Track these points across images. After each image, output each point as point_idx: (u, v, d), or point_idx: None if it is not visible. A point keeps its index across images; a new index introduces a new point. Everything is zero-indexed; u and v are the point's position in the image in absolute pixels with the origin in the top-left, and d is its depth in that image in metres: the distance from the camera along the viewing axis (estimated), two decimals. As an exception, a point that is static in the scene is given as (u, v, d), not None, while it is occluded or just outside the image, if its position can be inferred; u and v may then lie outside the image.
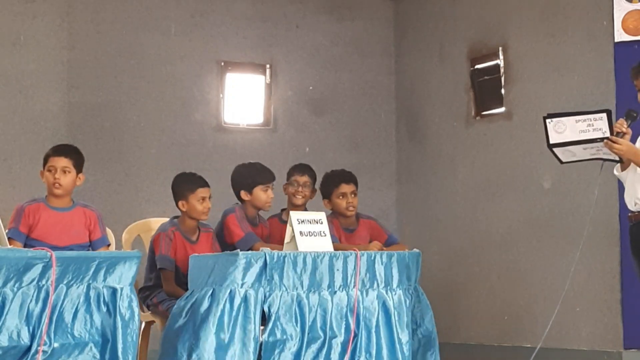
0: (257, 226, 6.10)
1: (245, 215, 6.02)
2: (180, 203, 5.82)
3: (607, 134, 4.97)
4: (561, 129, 5.04)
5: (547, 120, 5.07)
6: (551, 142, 5.06)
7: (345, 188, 6.28)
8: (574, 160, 5.17)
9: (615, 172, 5.24)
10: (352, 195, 6.29)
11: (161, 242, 5.75)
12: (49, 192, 5.52)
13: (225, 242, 5.93)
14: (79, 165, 5.57)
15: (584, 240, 6.01)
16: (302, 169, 6.39)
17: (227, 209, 6.08)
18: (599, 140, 4.98)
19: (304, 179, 6.33)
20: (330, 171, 6.49)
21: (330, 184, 6.33)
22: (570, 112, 5.15)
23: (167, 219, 6.47)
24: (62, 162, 5.50)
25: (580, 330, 7.19)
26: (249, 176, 6.09)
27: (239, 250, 5.11)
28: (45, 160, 5.52)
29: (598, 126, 4.98)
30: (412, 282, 5.66)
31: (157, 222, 6.41)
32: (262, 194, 6.06)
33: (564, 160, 5.18)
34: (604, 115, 4.99)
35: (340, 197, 6.27)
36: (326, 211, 6.01)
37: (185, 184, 5.85)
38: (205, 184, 5.88)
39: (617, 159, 5.06)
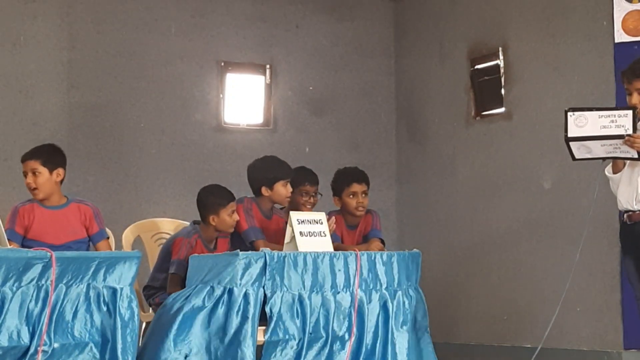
0: (271, 219, 6.08)
1: (260, 209, 6.00)
2: (210, 218, 5.75)
3: (630, 131, 4.90)
4: (582, 123, 4.98)
5: (569, 114, 4.98)
6: (569, 135, 4.98)
7: (357, 187, 6.22)
8: (588, 157, 5.08)
9: (606, 172, 5.19)
10: (363, 195, 6.24)
11: (182, 247, 5.70)
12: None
13: (235, 230, 5.93)
14: (50, 162, 5.54)
15: (583, 240, 6.00)
16: (313, 179, 6.32)
17: (237, 199, 6.03)
18: (619, 137, 4.93)
19: (314, 188, 6.29)
20: (344, 168, 6.42)
21: (343, 182, 6.27)
22: (594, 107, 5.10)
23: (167, 219, 6.49)
24: (30, 165, 5.53)
25: (581, 330, 7.19)
26: (270, 172, 6.02)
27: (238, 250, 5.11)
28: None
29: (621, 123, 4.91)
30: (413, 283, 5.65)
31: (157, 223, 6.42)
32: (282, 189, 6.02)
33: (577, 157, 5.08)
34: (630, 112, 4.92)
35: (351, 197, 6.21)
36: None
37: (216, 199, 5.78)
38: (233, 197, 5.86)
39: (636, 156, 4.99)
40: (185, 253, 5.65)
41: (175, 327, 4.97)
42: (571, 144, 5.01)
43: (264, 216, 6.01)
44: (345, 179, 6.29)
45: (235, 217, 5.78)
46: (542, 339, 7.10)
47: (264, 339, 5.07)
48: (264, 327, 5.09)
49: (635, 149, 4.91)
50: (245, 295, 5.00)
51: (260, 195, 6.02)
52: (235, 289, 4.99)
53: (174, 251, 5.71)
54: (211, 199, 5.79)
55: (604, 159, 5.12)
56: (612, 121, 4.93)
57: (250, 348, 4.97)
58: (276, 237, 5.94)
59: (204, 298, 5.01)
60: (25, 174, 5.53)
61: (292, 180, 6.19)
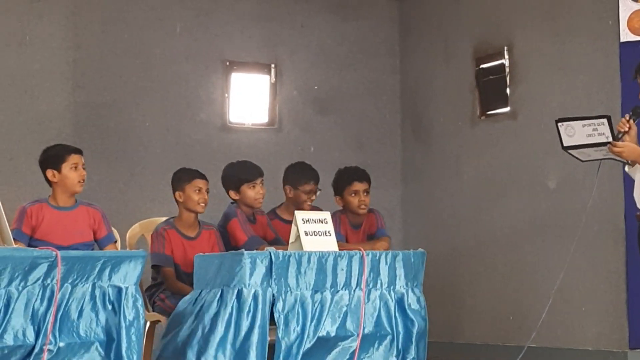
0: (255, 222, 6.08)
1: (245, 215, 6.01)
2: (177, 194, 5.86)
3: (610, 139, 5.08)
4: (571, 133, 5.16)
5: (559, 124, 5.21)
6: (565, 144, 5.21)
7: (358, 186, 6.25)
8: (592, 159, 5.27)
9: (625, 169, 5.29)
10: (365, 194, 6.26)
11: (153, 241, 5.81)
12: (73, 190, 5.52)
13: (230, 245, 5.92)
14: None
15: (577, 238, 6.01)
16: (312, 176, 6.30)
17: (226, 211, 6.06)
18: (603, 144, 5.07)
19: (314, 187, 6.27)
20: (344, 168, 6.44)
21: (344, 182, 6.29)
22: (577, 117, 5.27)
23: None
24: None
25: (586, 330, 7.18)
26: (234, 175, 6.09)
27: (243, 250, 5.11)
28: (64, 159, 5.53)
29: (601, 131, 5.11)
30: (418, 282, 5.65)
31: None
32: (249, 192, 6.04)
33: (583, 160, 5.28)
34: (605, 120, 5.11)
35: (353, 195, 6.24)
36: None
37: (183, 176, 5.91)
38: (202, 176, 5.90)
39: (624, 160, 5.11)
40: (157, 245, 5.75)
41: (195, 337, 4.97)
42: (570, 151, 5.18)
43: (249, 222, 6.02)
44: (346, 178, 6.30)
45: (204, 196, 5.81)
46: (548, 339, 7.11)
47: (273, 339, 5.07)
48: (273, 327, 5.09)
49: (616, 155, 5.07)
50: (255, 296, 5.00)
51: (234, 200, 6.03)
52: (244, 289, 4.98)
53: (150, 247, 5.81)
54: (178, 176, 5.93)
55: (606, 159, 5.26)
56: (594, 129, 5.16)
57: (260, 348, 4.97)
58: (266, 238, 6.04)
59: (220, 304, 5.00)
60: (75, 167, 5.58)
61: (293, 179, 6.21)
